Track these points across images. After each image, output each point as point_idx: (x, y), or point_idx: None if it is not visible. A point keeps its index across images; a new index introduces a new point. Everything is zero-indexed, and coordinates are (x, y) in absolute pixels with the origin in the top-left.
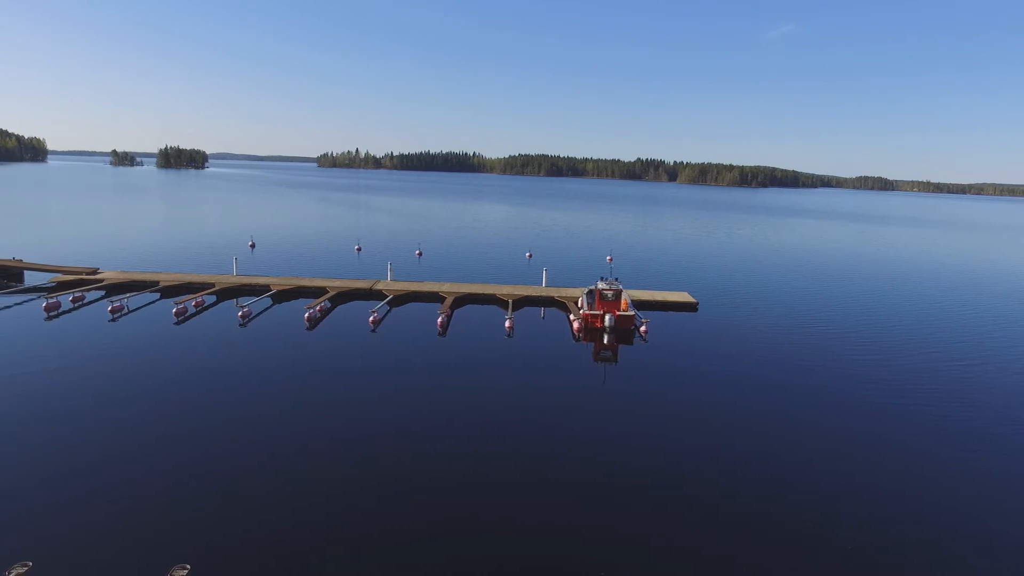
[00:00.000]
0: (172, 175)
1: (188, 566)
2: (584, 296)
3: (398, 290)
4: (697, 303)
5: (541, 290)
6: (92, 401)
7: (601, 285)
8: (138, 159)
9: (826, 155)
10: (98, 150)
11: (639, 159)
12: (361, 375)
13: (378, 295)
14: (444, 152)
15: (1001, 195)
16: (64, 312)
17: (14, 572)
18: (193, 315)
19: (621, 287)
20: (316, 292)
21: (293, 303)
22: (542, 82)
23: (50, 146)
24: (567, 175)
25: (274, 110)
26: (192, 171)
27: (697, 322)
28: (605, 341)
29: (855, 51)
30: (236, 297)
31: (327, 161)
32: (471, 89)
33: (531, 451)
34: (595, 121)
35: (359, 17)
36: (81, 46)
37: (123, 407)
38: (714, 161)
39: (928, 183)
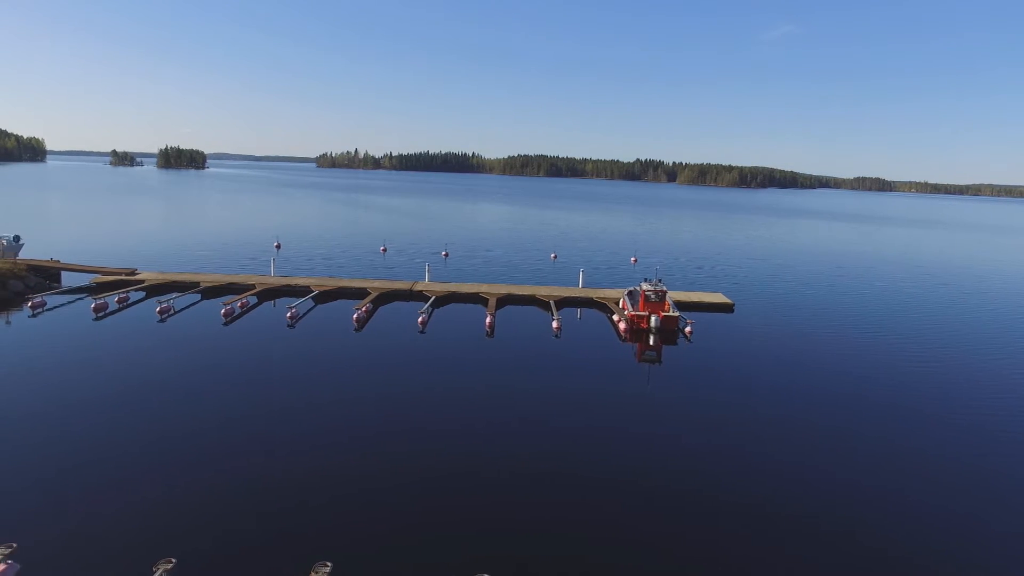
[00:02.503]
0: (175, 176)
1: (173, 559)
2: (626, 297)
3: (439, 291)
4: (733, 304)
5: (579, 291)
6: (149, 400)
7: (645, 286)
8: (138, 159)
9: (824, 156)
10: (96, 150)
11: (638, 160)
12: (414, 375)
13: (419, 296)
14: (443, 152)
15: (999, 196)
16: (112, 312)
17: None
18: (240, 316)
19: (665, 288)
20: (357, 293)
21: (336, 304)
22: (541, 82)
23: (48, 146)
24: (566, 175)
25: (271, 110)
26: (193, 172)
27: (736, 323)
28: (651, 342)
29: (852, 52)
30: (277, 298)
31: (326, 161)
32: (470, 89)
33: (585, 452)
34: (594, 121)
35: (358, 17)
36: (79, 46)
37: (180, 405)
38: (712, 162)
39: (926, 184)
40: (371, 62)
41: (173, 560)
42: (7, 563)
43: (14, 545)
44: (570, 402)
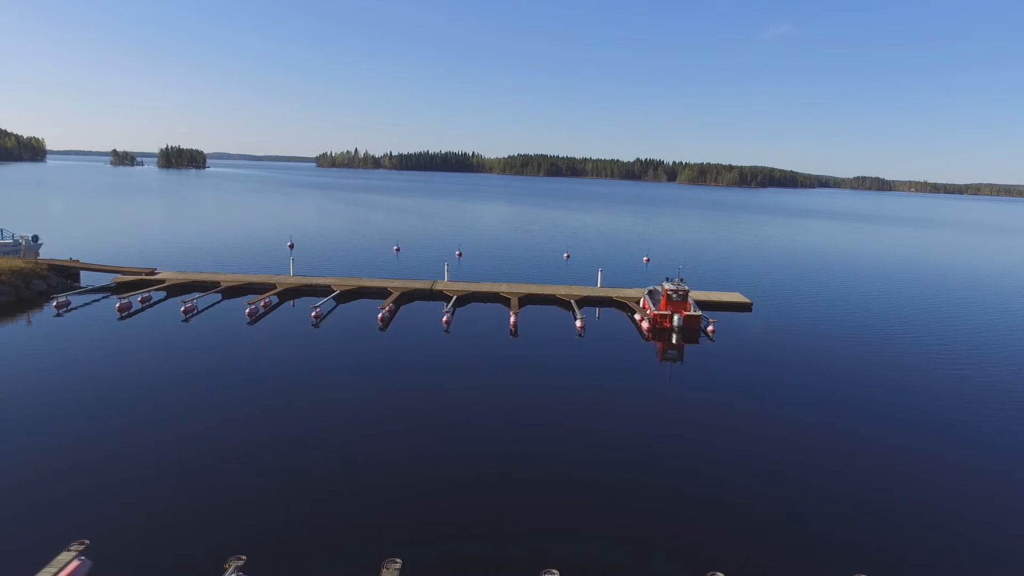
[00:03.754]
0: (177, 175)
1: (244, 557)
2: (646, 296)
3: (459, 290)
4: (751, 303)
5: (598, 290)
6: (184, 399)
7: (667, 286)
8: (138, 159)
9: (823, 155)
10: (94, 150)
11: (638, 159)
12: (443, 375)
13: (439, 295)
14: (443, 152)
15: (998, 195)
16: (136, 312)
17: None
18: (264, 315)
19: (687, 288)
20: (378, 292)
21: (359, 303)
22: (541, 82)
23: (47, 146)
24: (566, 175)
25: (270, 110)
26: (193, 171)
27: (756, 322)
28: (673, 341)
29: (850, 52)
30: (299, 298)
31: (326, 161)
32: (470, 89)
33: (616, 452)
34: (593, 121)
35: (358, 16)
36: (77, 45)
37: (214, 404)
38: (712, 161)
39: (925, 183)
40: (371, 62)
41: (244, 557)
42: (80, 559)
43: (86, 542)
44: (598, 402)
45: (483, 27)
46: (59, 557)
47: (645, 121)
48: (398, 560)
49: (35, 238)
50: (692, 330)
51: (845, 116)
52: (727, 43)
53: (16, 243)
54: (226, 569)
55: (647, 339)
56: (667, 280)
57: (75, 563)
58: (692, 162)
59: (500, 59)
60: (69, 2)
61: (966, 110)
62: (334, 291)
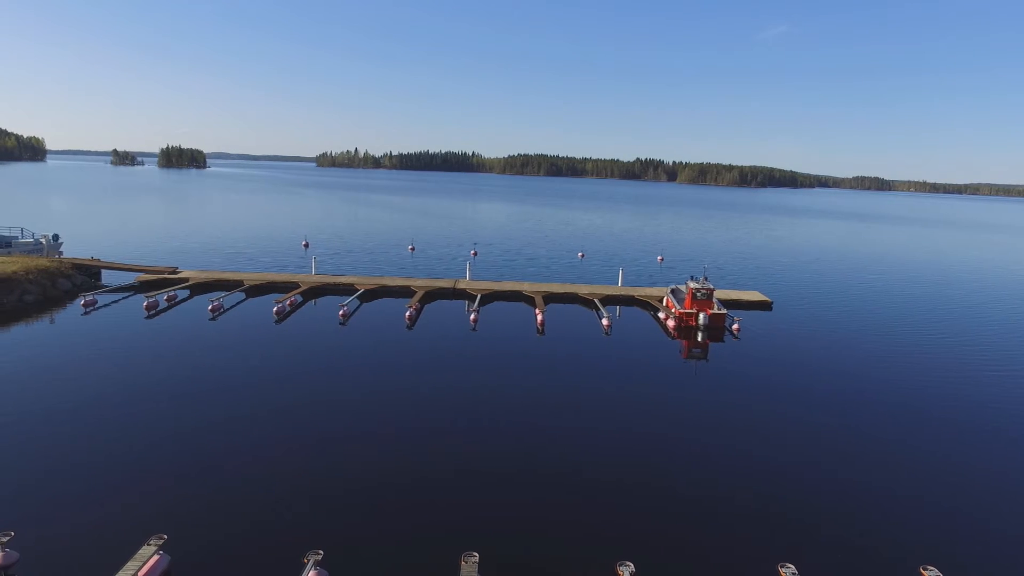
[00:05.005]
0: (179, 175)
1: (321, 552)
2: (669, 295)
3: (482, 289)
4: (772, 302)
5: (620, 289)
6: (221, 395)
7: (693, 284)
8: (139, 159)
9: (822, 155)
10: (94, 149)
11: (638, 159)
12: (473, 373)
13: (462, 294)
14: (443, 152)
15: (997, 195)
16: (162, 310)
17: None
18: (290, 314)
19: (712, 287)
20: (401, 291)
21: (385, 302)
22: (539, 82)
23: (47, 145)
24: (566, 175)
25: (269, 109)
26: (195, 171)
27: (777, 321)
28: (699, 339)
29: (848, 52)
30: (321, 297)
31: (326, 161)
32: (470, 88)
33: (647, 452)
34: (593, 121)
35: (358, 16)
36: (76, 45)
37: (252, 401)
38: (712, 161)
39: (924, 183)
40: (371, 61)
41: (321, 552)
42: (159, 554)
43: (164, 536)
44: (629, 400)
45: (483, 27)
46: (141, 551)
47: (645, 121)
48: (475, 554)
49: (55, 237)
50: (717, 328)
51: (843, 116)
52: (726, 43)
53: (38, 242)
54: (305, 564)
55: (673, 337)
56: (691, 279)
57: (155, 557)
58: (692, 162)
59: (500, 59)
60: (69, 2)
61: (965, 110)
62: (358, 290)
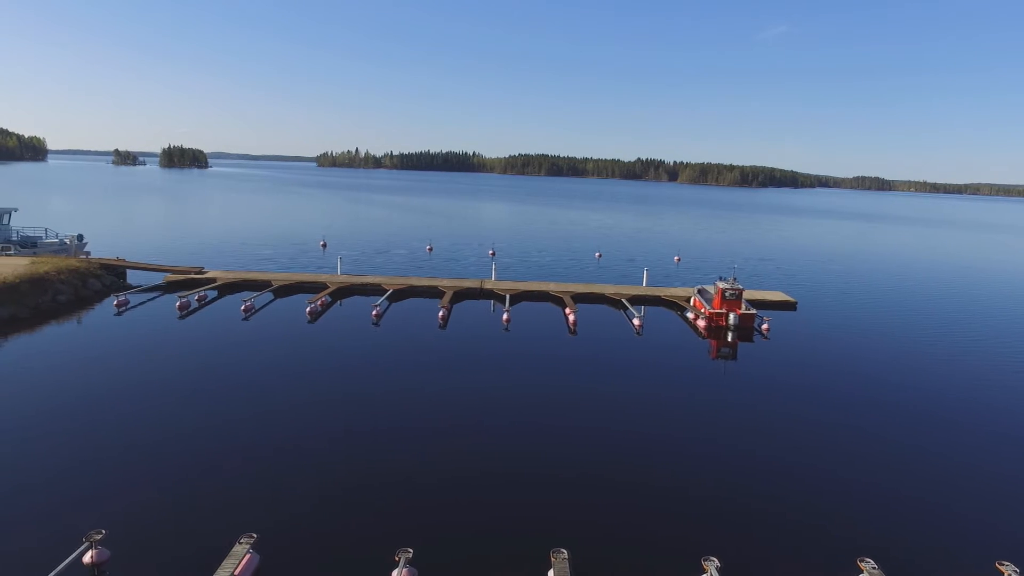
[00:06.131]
0: (182, 175)
1: (411, 550)
2: (696, 295)
3: (509, 289)
4: (796, 302)
5: (646, 289)
6: (258, 395)
7: (722, 284)
8: (140, 159)
9: (822, 155)
10: (94, 149)
11: (639, 159)
12: (508, 372)
13: (489, 294)
14: (444, 152)
15: (997, 195)
16: (194, 311)
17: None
18: (323, 313)
19: (742, 287)
20: (430, 291)
21: (416, 301)
22: (540, 82)
23: (48, 145)
24: (567, 175)
25: (268, 109)
26: (196, 171)
27: (802, 321)
28: (728, 339)
29: (848, 52)
30: (349, 297)
31: (327, 160)
32: (470, 88)
33: (689, 453)
34: (593, 121)
35: (358, 16)
36: (76, 45)
37: (274, 401)
38: (712, 161)
39: (925, 183)
40: (371, 62)
41: (411, 550)
42: (250, 553)
43: (255, 535)
44: (665, 400)
45: (483, 27)
46: (234, 550)
47: (645, 121)
48: (564, 551)
49: (80, 237)
50: (747, 328)
51: (842, 116)
52: (726, 43)
53: (63, 242)
54: (397, 561)
55: (703, 337)
56: (720, 279)
57: (247, 556)
58: (693, 162)
59: (500, 59)
60: (70, 2)
61: (965, 110)
62: (386, 290)
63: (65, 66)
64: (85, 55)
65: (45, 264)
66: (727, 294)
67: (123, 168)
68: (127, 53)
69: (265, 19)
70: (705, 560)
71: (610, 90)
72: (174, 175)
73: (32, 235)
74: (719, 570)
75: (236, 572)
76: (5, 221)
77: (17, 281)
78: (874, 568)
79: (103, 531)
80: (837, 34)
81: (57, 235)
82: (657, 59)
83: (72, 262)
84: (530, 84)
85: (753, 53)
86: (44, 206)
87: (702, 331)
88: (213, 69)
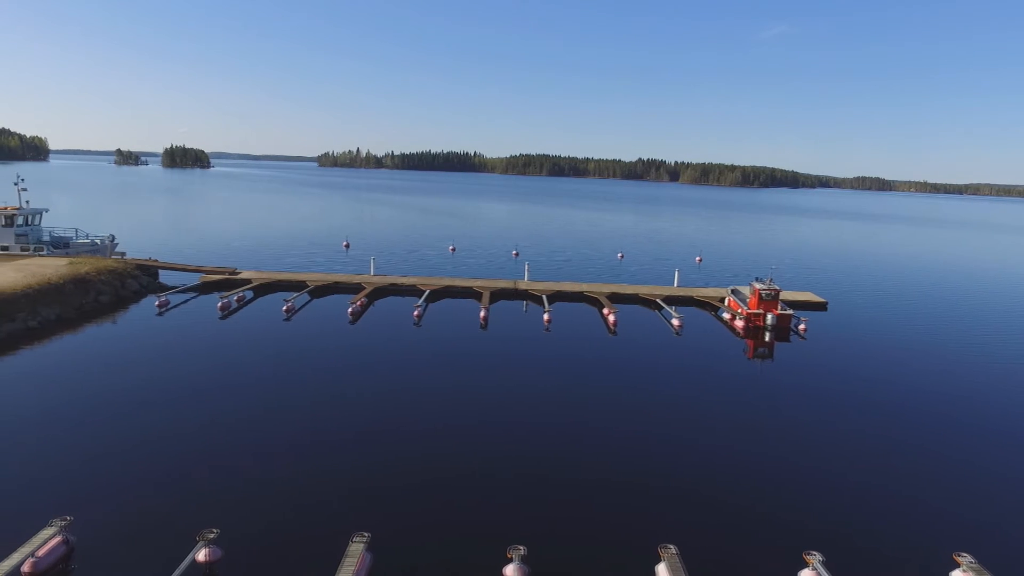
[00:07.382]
0: (186, 175)
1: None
2: (731, 295)
3: (544, 290)
4: (827, 303)
5: (679, 290)
6: (288, 392)
7: (759, 285)
8: (142, 158)
9: (822, 155)
10: (95, 149)
11: (640, 159)
12: (550, 373)
13: (524, 294)
14: (445, 152)
15: (997, 195)
16: (234, 311)
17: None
18: (362, 313)
19: (778, 288)
20: (466, 291)
21: (454, 302)
22: (540, 82)
23: (49, 145)
24: (568, 175)
25: (269, 109)
26: (199, 171)
27: (834, 321)
28: (766, 339)
29: (848, 52)
30: (385, 297)
31: (328, 160)
32: (471, 88)
33: (729, 450)
34: (594, 121)
35: (358, 16)
36: (76, 45)
37: (318, 397)
38: (713, 161)
39: (925, 183)
40: (371, 62)
41: (522, 547)
42: (364, 552)
43: (367, 535)
44: (708, 400)
45: (484, 27)
46: (350, 548)
47: (646, 121)
48: (672, 546)
49: (112, 238)
50: (784, 328)
51: (842, 116)
52: (726, 43)
53: (94, 243)
54: (510, 558)
55: (740, 337)
56: (757, 280)
57: (362, 555)
58: (694, 162)
59: (500, 59)
60: (70, 2)
61: (965, 110)
62: (422, 290)
63: (66, 66)
64: (86, 55)
65: (84, 264)
66: (764, 294)
67: (126, 168)
68: (127, 53)
69: (265, 19)
70: (808, 553)
71: (610, 90)
72: (179, 175)
73: (64, 235)
74: (823, 564)
75: (356, 570)
76: (36, 222)
77: (62, 282)
78: (972, 563)
79: (215, 530)
80: (837, 34)
81: (88, 235)
82: (657, 59)
83: (109, 263)
84: (531, 84)
85: (753, 53)
86: (52, 204)
87: (740, 331)
88: (214, 69)
